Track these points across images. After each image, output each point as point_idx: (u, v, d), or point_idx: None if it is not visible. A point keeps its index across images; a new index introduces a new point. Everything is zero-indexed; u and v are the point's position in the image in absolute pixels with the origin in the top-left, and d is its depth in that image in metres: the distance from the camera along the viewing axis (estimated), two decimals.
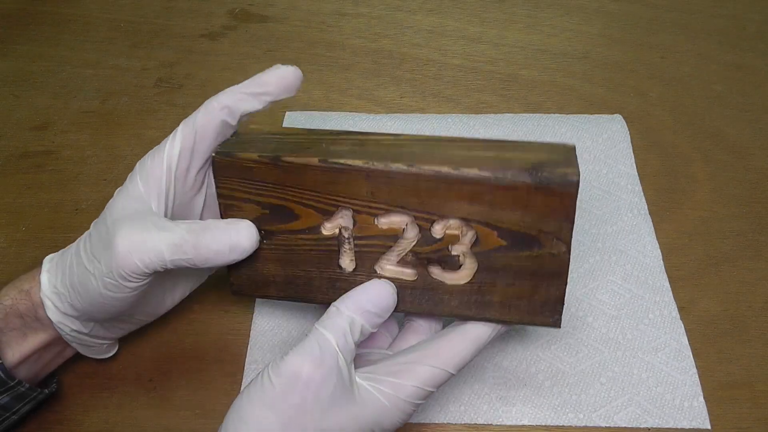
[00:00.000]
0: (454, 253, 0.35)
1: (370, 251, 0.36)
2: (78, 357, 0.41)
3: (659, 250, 0.49)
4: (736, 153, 0.56)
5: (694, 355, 0.43)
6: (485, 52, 0.66)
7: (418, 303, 0.37)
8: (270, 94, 0.37)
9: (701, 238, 0.50)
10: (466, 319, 0.37)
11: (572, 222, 0.33)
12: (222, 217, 0.37)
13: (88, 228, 0.37)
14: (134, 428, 0.41)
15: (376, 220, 0.35)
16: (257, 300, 0.46)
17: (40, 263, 0.38)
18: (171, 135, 0.36)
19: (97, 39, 0.68)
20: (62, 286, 0.36)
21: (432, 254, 0.35)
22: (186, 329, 0.43)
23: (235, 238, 0.35)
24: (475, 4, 0.71)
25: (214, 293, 0.46)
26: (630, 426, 0.40)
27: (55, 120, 0.60)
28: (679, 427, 0.40)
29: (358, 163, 0.33)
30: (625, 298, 0.46)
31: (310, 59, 0.65)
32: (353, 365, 0.34)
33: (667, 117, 0.59)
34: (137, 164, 0.37)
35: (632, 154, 0.55)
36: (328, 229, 0.36)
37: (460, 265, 0.35)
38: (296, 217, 0.36)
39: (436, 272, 0.36)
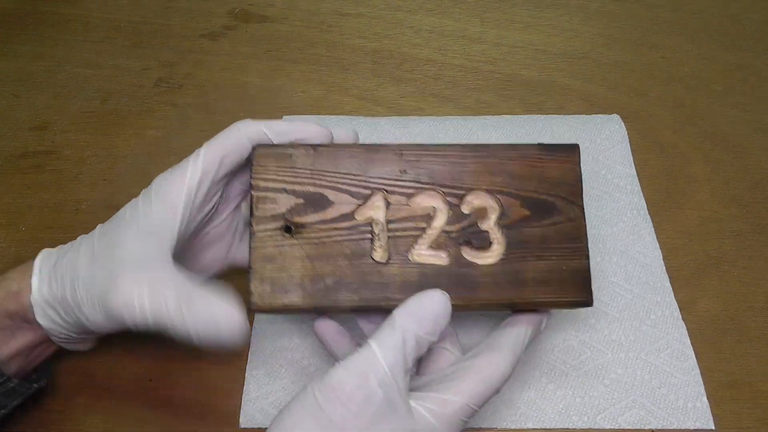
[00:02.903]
0: (483, 228, 0.37)
1: (404, 236, 0.37)
2: (77, 355, 0.42)
3: (660, 251, 0.49)
4: (736, 153, 0.56)
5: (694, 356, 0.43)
6: (485, 52, 0.66)
7: (454, 291, 0.36)
8: (300, 139, 0.38)
9: (701, 238, 0.50)
10: (503, 308, 0.37)
11: (581, 184, 0.38)
12: (253, 209, 0.37)
13: (88, 228, 0.37)
14: (134, 428, 0.41)
15: (408, 199, 0.37)
16: None
17: (31, 262, 0.38)
18: (193, 157, 0.37)
19: (97, 39, 0.68)
20: (53, 300, 0.37)
21: (463, 232, 0.37)
22: None
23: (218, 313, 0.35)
24: (475, 4, 0.71)
25: None
26: (634, 428, 0.40)
27: (55, 120, 0.60)
28: (683, 427, 0.40)
29: (391, 143, 0.38)
30: (627, 299, 0.46)
31: (310, 59, 0.65)
32: (407, 380, 0.33)
33: (666, 117, 0.59)
34: (154, 181, 0.37)
35: (631, 153, 0.55)
36: (362, 214, 0.37)
37: (491, 243, 0.37)
38: (330, 204, 0.37)
39: (468, 252, 0.37)
